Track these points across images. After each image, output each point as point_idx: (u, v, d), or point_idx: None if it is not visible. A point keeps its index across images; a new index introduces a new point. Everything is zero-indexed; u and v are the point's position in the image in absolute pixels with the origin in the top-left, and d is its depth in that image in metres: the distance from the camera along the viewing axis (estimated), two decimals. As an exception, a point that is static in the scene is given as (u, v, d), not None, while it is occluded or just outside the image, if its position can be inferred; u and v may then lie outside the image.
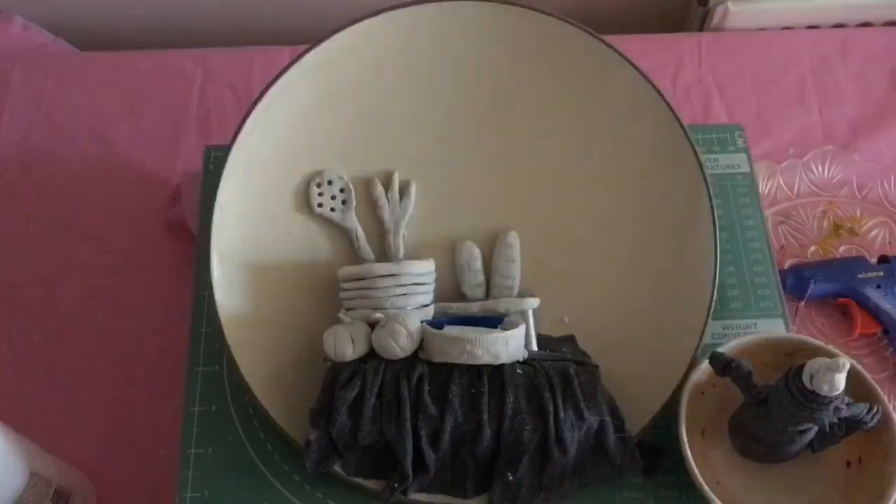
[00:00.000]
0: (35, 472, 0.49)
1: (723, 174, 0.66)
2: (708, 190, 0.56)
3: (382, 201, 0.58)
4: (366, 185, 0.59)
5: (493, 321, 0.54)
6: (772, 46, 0.80)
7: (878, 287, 0.64)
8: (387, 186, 0.59)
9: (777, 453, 0.51)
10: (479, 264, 0.57)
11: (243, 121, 0.53)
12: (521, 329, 0.52)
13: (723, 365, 0.51)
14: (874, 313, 0.63)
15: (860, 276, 0.64)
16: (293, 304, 0.56)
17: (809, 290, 0.64)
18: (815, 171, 0.73)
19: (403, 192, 0.59)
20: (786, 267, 0.67)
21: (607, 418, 0.50)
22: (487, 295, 0.58)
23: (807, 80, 0.78)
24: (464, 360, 0.50)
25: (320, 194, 0.58)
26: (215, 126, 0.75)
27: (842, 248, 0.69)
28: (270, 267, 0.56)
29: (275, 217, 0.57)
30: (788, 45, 0.80)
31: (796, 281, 0.65)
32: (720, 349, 0.53)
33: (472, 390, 0.50)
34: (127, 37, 0.86)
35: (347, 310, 0.54)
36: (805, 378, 0.47)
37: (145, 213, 0.70)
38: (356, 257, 0.58)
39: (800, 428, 0.49)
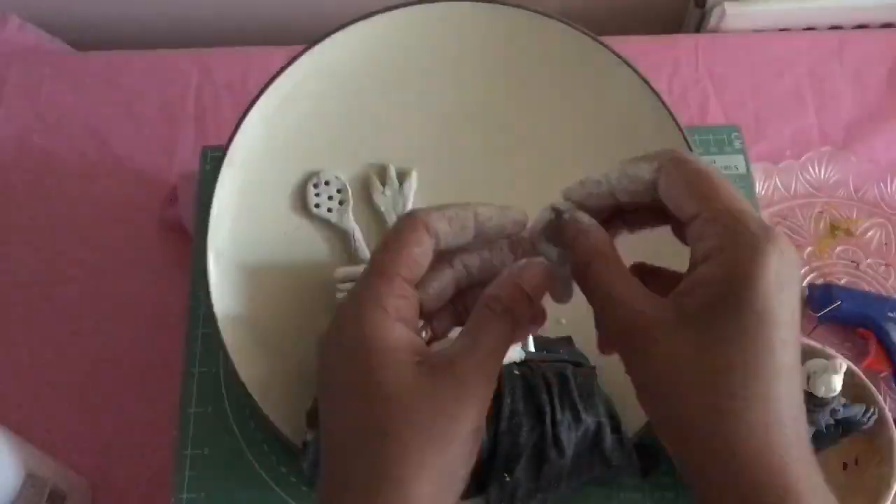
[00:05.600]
0: (30, 472, 0.49)
1: (720, 175, 0.66)
2: (705, 191, 0.56)
3: (379, 187, 0.58)
4: (363, 186, 0.59)
5: (491, 322, 0.54)
6: (769, 48, 0.80)
7: None
8: (385, 183, 0.59)
9: (774, 454, 0.51)
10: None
11: (240, 121, 0.53)
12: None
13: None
14: (891, 354, 0.63)
15: (890, 314, 0.64)
16: (290, 304, 0.56)
17: (831, 308, 0.64)
18: (811, 172, 0.73)
19: (403, 179, 0.59)
20: (818, 282, 0.67)
21: (604, 419, 0.50)
22: (484, 296, 0.58)
23: (804, 82, 0.78)
24: (461, 361, 0.50)
25: (317, 195, 0.58)
26: (212, 126, 0.74)
27: (838, 249, 0.70)
28: (267, 267, 0.56)
29: (271, 217, 0.57)
30: (785, 46, 0.80)
31: (822, 296, 0.65)
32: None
33: (470, 391, 0.50)
34: (124, 37, 0.86)
35: (344, 311, 0.54)
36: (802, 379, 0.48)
37: (142, 213, 0.70)
38: (353, 258, 0.58)
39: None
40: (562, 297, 0.35)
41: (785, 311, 0.28)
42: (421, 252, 0.32)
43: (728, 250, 0.29)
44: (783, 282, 0.28)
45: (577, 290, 0.34)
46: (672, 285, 0.32)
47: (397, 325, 0.31)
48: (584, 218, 0.33)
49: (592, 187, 0.34)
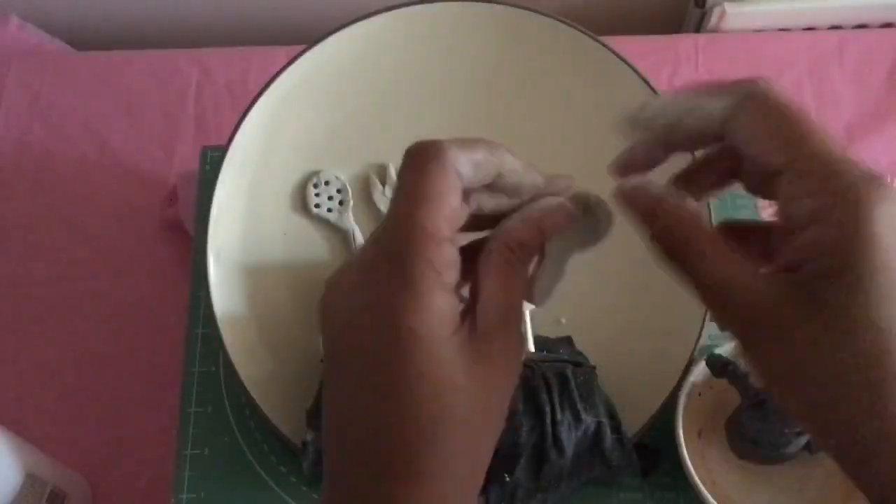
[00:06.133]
0: (30, 472, 0.49)
1: (720, 175, 0.66)
2: (705, 191, 0.56)
3: (379, 187, 0.58)
4: (363, 186, 0.59)
5: (491, 322, 0.54)
6: (768, 48, 0.80)
7: None
8: (385, 183, 0.59)
9: (774, 455, 0.51)
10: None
11: (240, 121, 0.53)
12: (519, 330, 0.52)
13: (720, 366, 0.51)
14: None
15: None
16: (289, 304, 0.56)
17: None
18: (811, 172, 0.73)
19: None
20: None
21: (604, 420, 0.50)
22: (484, 296, 0.58)
23: (803, 82, 0.78)
24: (461, 361, 0.50)
25: (317, 195, 0.58)
26: (212, 126, 0.74)
27: (838, 250, 0.69)
28: (267, 267, 0.56)
29: (271, 217, 0.57)
30: (785, 46, 0.80)
31: None
32: (717, 350, 0.53)
33: (470, 391, 0.50)
34: (123, 37, 0.86)
35: (344, 310, 0.54)
36: (802, 379, 0.47)
37: (141, 213, 0.70)
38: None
39: (797, 429, 0.49)
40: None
41: None
42: (457, 205, 0.27)
43: (834, 210, 0.25)
44: None
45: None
46: (762, 238, 0.29)
47: (453, 300, 0.27)
48: (655, 189, 0.29)
49: (653, 113, 0.29)
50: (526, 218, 0.29)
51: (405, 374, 0.26)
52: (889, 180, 0.74)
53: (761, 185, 0.28)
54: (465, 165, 0.27)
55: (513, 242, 0.29)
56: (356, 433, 0.27)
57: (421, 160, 0.27)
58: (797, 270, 0.26)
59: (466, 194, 0.29)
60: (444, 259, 0.26)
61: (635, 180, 0.29)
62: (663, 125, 0.29)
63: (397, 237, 0.26)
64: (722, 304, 0.27)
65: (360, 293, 0.27)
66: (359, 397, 0.27)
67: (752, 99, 0.27)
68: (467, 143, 0.28)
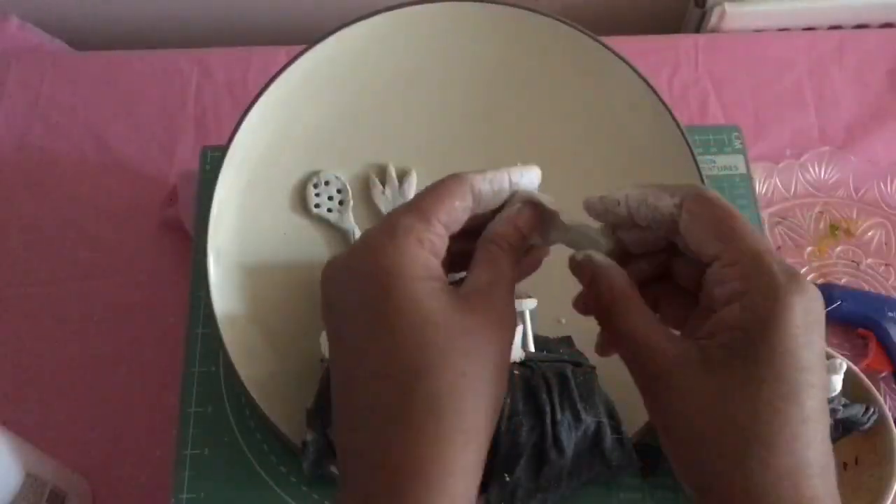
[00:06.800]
0: (30, 472, 0.49)
1: (720, 175, 0.66)
2: (705, 191, 0.56)
3: (379, 187, 0.59)
4: (363, 186, 0.59)
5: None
6: (768, 48, 0.80)
7: None
8: (385, 183, 0.59)
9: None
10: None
11: (240, 121, 0.53)
12: (519, 330, 0.52)
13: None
14: (890, 354, 0.63)
15: (891, 314, 0.64)
16: (290, 304, 0.56)
17: (830, 308, 0.64)
18: (811, 172, 0.73)
19: (403, 179, 0.59)
20: (818, 282, 0.67)
21: (604, 419, 0.50)
22: (484, 296, 0.57)
23: (803, 82, 0.78)
24: (461, 361, 0.50)
25: (317, 195, 0.58)
26: (212, 126, 0.75)
27: (838, 249, 0.70)
28: (267, 267, 0.56)
29: (271, 217, 0.57)
30: (785, 46, 0.81)
31: (822, 296, 0.65)
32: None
33: (469, 391, 0.50)
34: (123, 37, 0.86)
35: (344, 310, 0.54)
36: (802, 379, 0.47)
37: (141, 213, 0.70)
38: (353, 258, 0.58)
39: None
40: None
41: (811, 354, 0.28)
42: (462, 207, 0.32)
43: (752, 293, 0.28)
44: (809, 324, 0.28)
45: (573, 289, 0.35)
46: (688, 309, 0.32)
47: (431, 258, 0.30)
48: (599, 257, 0.33)
49: (611, 206, 0.34)
50: (504, 218, 0.34)
51: (385, 311, 0.28)
52: (889, 180, 0.74)
53: (692, 281, 0.32)
54: (482, 182, 0.33)
55: (497, 237, 0.33)
56: (354, 386, 0.29)
57: (443, 179, 0.32)
58: (709, 340, 0.29)
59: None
60: (433, 230, 0.30)
61: (582, 253, 0.34)
62: (618, 214, 0.33)
63: (395, 215, 0.31)
64: (634, 356, 0.31)
65: (354, 255, 0.30)
66: (350, 348, 0.30)
67: (696, 198, 0.31)
68: (478, 171, 0.34)
